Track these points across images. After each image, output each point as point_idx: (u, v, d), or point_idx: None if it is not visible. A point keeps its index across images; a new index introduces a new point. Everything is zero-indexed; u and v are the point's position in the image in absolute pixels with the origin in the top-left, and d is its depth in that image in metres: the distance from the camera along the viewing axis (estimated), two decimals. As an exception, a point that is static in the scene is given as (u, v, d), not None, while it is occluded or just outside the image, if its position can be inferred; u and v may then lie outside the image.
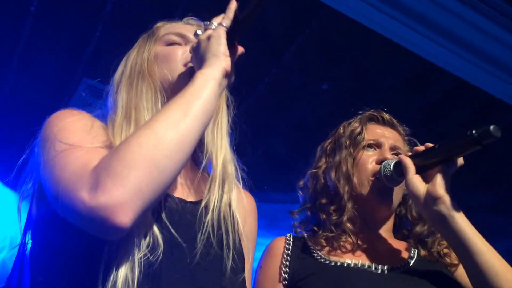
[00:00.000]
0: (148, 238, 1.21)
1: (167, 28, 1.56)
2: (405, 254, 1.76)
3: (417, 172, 1.61)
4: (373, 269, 1.67)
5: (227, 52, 1.32)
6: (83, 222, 1.11)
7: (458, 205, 1.57)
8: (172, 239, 1.26)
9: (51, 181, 1.18)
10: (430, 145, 1.63)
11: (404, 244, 1.82)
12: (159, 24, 1.59)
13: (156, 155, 1.09)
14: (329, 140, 1.96)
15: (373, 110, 1.96)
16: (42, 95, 4.07)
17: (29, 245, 1.33)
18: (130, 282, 1.14)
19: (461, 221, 1.55)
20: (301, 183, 1.96)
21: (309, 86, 4.24)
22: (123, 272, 1.15)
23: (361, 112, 1.98)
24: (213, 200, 1.38)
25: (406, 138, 1.95)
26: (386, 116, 1.94)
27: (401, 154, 1.77)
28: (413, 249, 1.78)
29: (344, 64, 4.05)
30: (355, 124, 1.90)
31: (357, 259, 1.71)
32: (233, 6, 1.38)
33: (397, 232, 1.88)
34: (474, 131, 1.46)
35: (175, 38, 1.51)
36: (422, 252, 1.76)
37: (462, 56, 3.98)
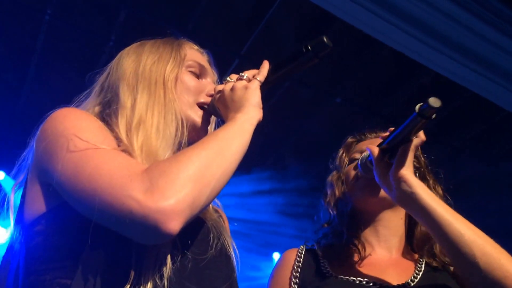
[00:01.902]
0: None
1: (192, 54, 1.62)
2: (412, 268, 1.77)
3: (389, 156, 1.64)
4: (378, 285, 1.68)
5: (261, 105, 1.46)
6: (130, 222, 1.11)
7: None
8: (187, 245, 1.32)
9: (79, 179, 1.17)
10: (392, 129, 1.65)
11: (414, 255, 1.83)
12: (185, 44, 1.63)
13: (209, 175, 1.19)
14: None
15: (357, 134, 2.03)
16: (56, 104, 4.08)
17: (20, 245, 1.31)
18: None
19: (425, 196, 1.56)
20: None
21: (322, 99, 4.24)
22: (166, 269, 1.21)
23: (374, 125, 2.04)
24: (209, 215, 1.48)
25: None
26: (368, 133, 1.99)
27: None
28: (420, 261, 1.78)
29: (357, 77, 4.05)
30: (340, 151, 1.99)
31: (364, 276, 1.72)
32: (267, 65, 1.53)
33: (411, 243, 1.87)
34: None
35: (197, 69, 1.60)
36: (430, 262, 1.77)
37: (477, 71, 3.94)
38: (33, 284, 1.24)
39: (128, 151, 1.29)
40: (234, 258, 1.46)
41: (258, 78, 1.48)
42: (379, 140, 1.84)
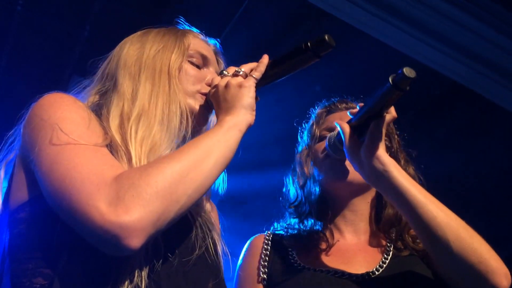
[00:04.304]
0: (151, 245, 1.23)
1: (196, 44, 1.57)
2: (380, 252, 1.74)
3: (359, 134, 1.58)
4: (346, 276, 1.65)
5: (255, 107, 1.40)
6: (90, 231, 1.10)
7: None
8: (171, 244, 1.29)
9: (53, 177, 1.15)
10: (362, 104, 1.61)
11: (383, 239, 1.79)
12: (190, 33, 1.59)
13: (180, 191, 1.14)
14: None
15: (327, 103, 1.97)
16: (31, 93, 4.01)
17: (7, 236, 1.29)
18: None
19: (397, 174, 1.51)
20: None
21: (301, 88, 4.21)
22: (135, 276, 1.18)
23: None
24: (196, 212, 1.43)
25: None
26: (338, 103, 1.94)
27: None
28: (389, 245, 1.75)
29: (337, 65, 4.01)
30: (310, 124, 1.94)
31: (331, 264, 1.70)
32: (265, 61, 1.46)
33: (378, 226, 1.84)
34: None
35: (199, 59, 1.55)
36: (398, 244, 1.73)
37: (458, 59, 3.92)
38: (15, 271, 1.22)
39: (115, 145, 1.25)
40: (221, 257, 1.43)
41: (254, 75, 1.42)
42: (349, 115, 1.82)
